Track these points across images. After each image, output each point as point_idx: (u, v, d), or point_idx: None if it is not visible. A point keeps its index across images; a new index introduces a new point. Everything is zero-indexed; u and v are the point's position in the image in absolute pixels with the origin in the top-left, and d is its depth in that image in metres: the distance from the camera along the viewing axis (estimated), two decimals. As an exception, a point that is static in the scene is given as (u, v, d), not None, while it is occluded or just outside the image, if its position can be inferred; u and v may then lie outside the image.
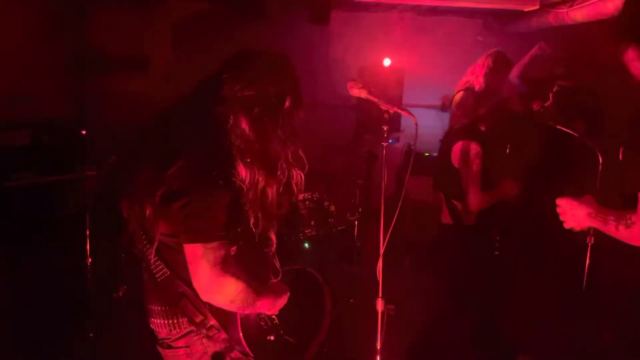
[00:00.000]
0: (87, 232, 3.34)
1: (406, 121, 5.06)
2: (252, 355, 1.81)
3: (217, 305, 1.71)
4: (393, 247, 1.91)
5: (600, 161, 2.81)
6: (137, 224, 1.75)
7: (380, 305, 1.95)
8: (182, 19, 5.28)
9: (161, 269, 1.75)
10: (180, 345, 1.81)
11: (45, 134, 3.95)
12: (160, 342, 1.86)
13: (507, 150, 3.27)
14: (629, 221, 1.86)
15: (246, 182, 1.65)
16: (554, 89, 3.65)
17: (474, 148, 3.11)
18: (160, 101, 4.88)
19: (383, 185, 1.99)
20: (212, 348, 1.80)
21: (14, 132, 3.86)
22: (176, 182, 1.59)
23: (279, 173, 1.73)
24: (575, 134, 2.96)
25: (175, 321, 1.78)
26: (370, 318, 1.98)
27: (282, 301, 1.90)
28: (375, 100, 1.96)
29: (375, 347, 1.99)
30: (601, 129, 3.52)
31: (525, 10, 4.66)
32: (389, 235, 1.91)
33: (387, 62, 5.17)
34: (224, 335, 1.79)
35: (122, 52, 5.08)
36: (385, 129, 1.96)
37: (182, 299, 1.74)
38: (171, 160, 1.61)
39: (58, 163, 3.77)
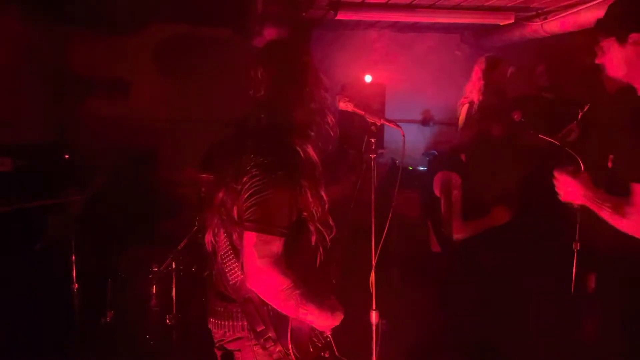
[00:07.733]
0: (73, 258, 3.28)
1: (390, 137, 5.15)
2: None
3: (263, 298, 1.74)
4: (381, 261, 1.91)
5: (582, 168, 2.85)
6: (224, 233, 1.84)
7: (374, 317, 1.92)
8: (163, 41, 5.29)
9: (235, 273, 1.82)
10: (232, 348, 1.86)
11: (28, 159, 3.89)
12: (217, 344, 1.92)
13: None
14: (623, 211, 1.90)
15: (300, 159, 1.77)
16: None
17: (453, 178, 3.15)
18: (143, 124, 4.95)
19: (373, 198, 2.00)
20: (262, 359, 1.82)
21: (-4, 159, 3.80)
22: (243, 185, 1.72)
23: (312, 132, 1.84)
24: (556, 142, 2.99)
25: (232, 323, 1.85)
26: (360, 332, 1.95)
27: (335, 320, 1.90)
28: (362, 113, 1.97)
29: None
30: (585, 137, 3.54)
31: (501, 24, 4.75)
32: (379, 248, 1.91)
33: (368, 78, 5.24)
34: (279, 349, 1.80)
35: (103, 76, 5.07)
36: (372, 141, 1.96)
37: (248, 304, 1.79)
38: (240, 173, 1.73)
39: (41, 188, 3.72)
